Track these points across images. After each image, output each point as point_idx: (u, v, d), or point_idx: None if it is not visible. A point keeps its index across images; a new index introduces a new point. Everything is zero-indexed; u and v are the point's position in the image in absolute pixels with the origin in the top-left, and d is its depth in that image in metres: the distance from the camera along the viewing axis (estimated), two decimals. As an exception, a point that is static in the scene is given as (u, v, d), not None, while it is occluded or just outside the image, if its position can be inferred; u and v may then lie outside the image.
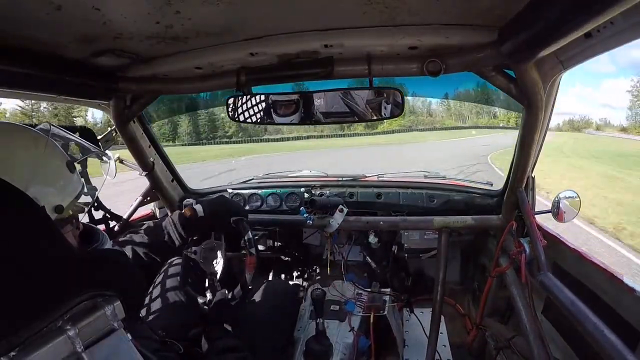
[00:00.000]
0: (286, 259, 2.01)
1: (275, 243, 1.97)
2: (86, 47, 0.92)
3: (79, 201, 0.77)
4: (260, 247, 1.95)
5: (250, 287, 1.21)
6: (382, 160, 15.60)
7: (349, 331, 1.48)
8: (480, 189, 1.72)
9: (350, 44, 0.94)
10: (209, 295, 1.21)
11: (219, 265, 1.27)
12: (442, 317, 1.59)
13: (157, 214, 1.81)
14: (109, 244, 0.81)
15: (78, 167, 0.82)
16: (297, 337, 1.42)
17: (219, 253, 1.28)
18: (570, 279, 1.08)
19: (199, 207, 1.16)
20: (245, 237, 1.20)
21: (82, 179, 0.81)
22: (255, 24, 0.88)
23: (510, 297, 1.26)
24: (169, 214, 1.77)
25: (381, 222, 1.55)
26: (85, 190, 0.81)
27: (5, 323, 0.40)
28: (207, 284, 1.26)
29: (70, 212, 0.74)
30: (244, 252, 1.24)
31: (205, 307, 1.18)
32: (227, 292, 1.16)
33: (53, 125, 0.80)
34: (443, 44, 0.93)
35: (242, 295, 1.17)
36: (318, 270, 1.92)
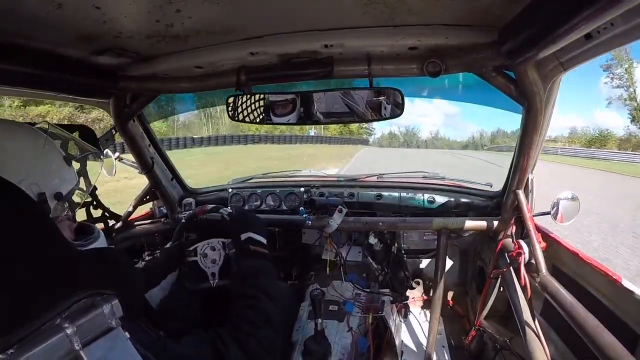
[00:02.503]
0: (285, 259, 2.01)
1: (275, 243, 1.97)
2: (86, 46, 0.92)
3: (76, 192, 0.79)
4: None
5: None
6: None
7: (348, 331, 1.48)
8: (479, 190, 1.72)
9: (351, 44, 0.94)
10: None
11: (219, 262, 1.30)
12: (441, 318, 1.59)
13: (157, 213, 1.81)
14: (102, 238, 0.82)
15: (77, 165, 0.83)
16: (295, 338, 1.42)
17: (213, 252, 1.31)
18: (568, 281, 1.08)
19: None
20: (211, 211, 1.30)
21: (80, 177, 0.83)
22: (255, 24, 0.88)
23: (509, 299, 1.26)
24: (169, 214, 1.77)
25: (380, 223, 1.55)
26: (82, 185, 0.83)
27: (4, 321, 0.40)
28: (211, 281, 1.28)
29: (67, 204, 0.76)
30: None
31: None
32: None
33: (50, 124, 0.82)
34: (443, 45, 0.93)
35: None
36: (317, 271, 1.92)
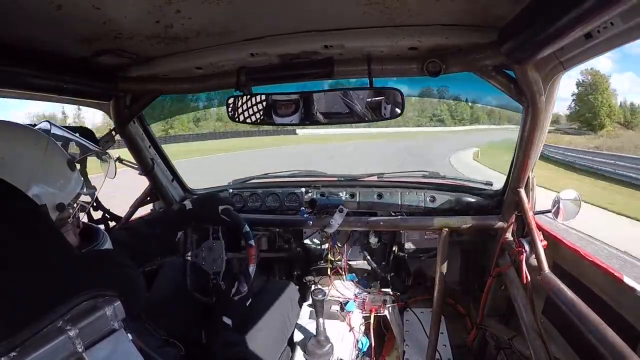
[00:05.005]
0: (286, 259, 2.01)
1: (276, 243, 1.97)
2: (86, 47, 0.92)
3: (79, 199, 0.77)
4: (261, 248, 1.95)
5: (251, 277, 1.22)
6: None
7: (349, 331, 1.48)
8: (480, 189, 1.72)
9: (351, 44, 0.94)
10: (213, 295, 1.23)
11: (220, 263, 1.28)
12: (443, 317, 1.59)
13: None
14: (109, 243, 0.81)
15: (78, 166, 0.82)
16: (297, 338, 1.42)
17: (218, 252, 1.29)
18: (570, 279, 1.08)
19: (187, 202, 1.26)
20: (243, 230, 1.24)
21: (82, 178, 0.81)
22: (255, 24, 0.88)
23: (511, 297, 1.26)
24: None
25: (381, 222, 1.55)
26: (85, 190, 0.82)
27: (6, 323, 0.40)
28: (211, 284, 1.26)
29: (71, 211, 0.75)
30: (244, 252, 1.24)
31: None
32: (235, 285, 1.16)
33: (54, 125, 0.81)
34: (443, 45, 0.93)
35: (246, 290, 1.18)
36: (318, 271, 1.92)
